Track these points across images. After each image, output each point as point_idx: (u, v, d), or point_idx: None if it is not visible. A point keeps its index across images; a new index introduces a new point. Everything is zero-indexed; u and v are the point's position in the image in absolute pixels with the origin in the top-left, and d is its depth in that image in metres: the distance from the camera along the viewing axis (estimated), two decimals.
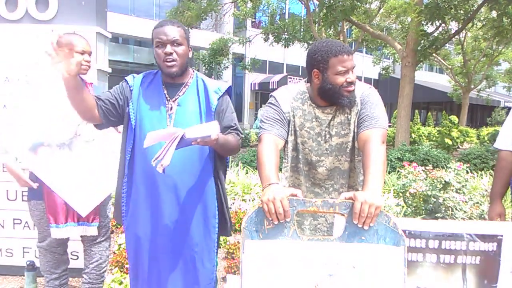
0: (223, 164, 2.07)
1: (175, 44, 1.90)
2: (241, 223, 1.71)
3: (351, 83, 1.85)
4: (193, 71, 2.06)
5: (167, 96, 1.97)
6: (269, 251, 1.49)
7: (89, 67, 2.41)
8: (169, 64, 1.90)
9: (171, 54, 1.89)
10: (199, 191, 1.95)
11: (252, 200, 4.96)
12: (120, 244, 3.50)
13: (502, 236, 1.57)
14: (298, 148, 1.98)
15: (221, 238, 3.99)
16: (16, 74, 2.99)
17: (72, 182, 2.32)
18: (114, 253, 2.68)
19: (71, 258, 2.87)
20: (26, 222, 3.05)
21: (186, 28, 2.03)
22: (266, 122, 1.91)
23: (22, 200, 3.02)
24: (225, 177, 2.10)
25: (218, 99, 1.99)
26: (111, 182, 2.30)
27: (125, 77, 2.04)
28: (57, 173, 2.31)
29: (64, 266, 2.55)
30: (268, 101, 2.00)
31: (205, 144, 1.73)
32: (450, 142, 12.57)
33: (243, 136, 2.20)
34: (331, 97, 1.87)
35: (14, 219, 3.05)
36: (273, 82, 22.75)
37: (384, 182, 4.68)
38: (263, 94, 25.08)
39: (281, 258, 1.48)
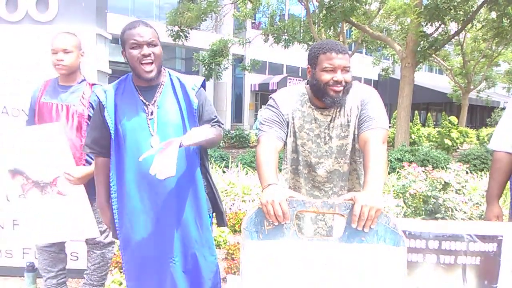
0: (206, 154, 2.09)
1: (151, 45, 1.86)
2: (241, 224, 1.71)
3: (337, 83, 1.82)
4: (165, 70, 2.01)
5: (144, 101, 1.93)
6: (269, 251, 1.49)
7: (65, 65, 2.35)
8: (147, 65, 1.86)
9: (149, 55, 1.85)
10: (190, 187, 1.94)
11: (252, 201, 4.96)
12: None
13: (502, 236, 1.57)
14: (298, 150, 1.98)
15: (221, 238, 4.01)
16: (16, 74, 2.99)
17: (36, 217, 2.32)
18: (114, 254, 2.68)
19: (70, 259, 2.86)
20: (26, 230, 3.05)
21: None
22: (265, 124, 1.91)
23: None
24: (209, 167, 2.14)
25: (195, 94, 1.96)
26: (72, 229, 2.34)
27: (96, 93, 1.99)
28: (27, 207, 2.32)
29: (62, 265, 2.55)
30: (267, 103, 2.01)
31: (194, 145, 1.77)
32: (449, 143, 12.56)
33: (224, 125, 2.23)
34: (317, 93, 1.88)
35: (13, 220, 3.05)
36: (273, 83, 22.74)
37: (384, 183, 4.68)
38: (263, 95, 25.07)
39: (281, 258, 1.48)
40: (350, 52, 1.69)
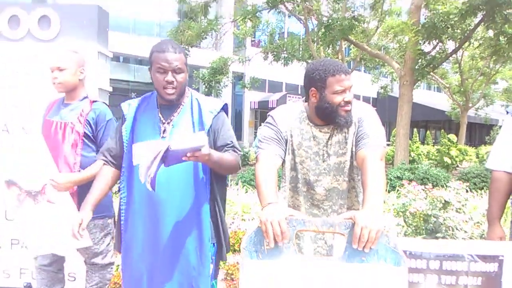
0: (220, 184, 2.02)
1: (176, 72, 1.88)
2: (240, 243, 1.70)
3: (348, 103, 1.85)
4: (189, 90, 2.04)
5: (161, 118, 1.96)
6: (269, 271, 1.47)
7: (59, 83, 2.36)
8: (169, 92, 1.89)
9: (172, 82, 1.88)
10: (195, 214, 1.91)
11: (252, 219, 4.93)
12: (118, 265, 3.46)
13: (503, 256, 1.55)
14: (297, 168, 1.98)
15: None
16: (17, 91, 3.00)
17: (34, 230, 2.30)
18: (112, 275, 2.65)
19: (68, 280, 2.83)
20: (24, 242, 3.02)
21: (186, 47, 2.05)
22: (263, 142, 1.91)
23: None
24: (225, 198, 2.07)
25: (213, 118, 1.96)
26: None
27: (121, 105, 2.04)
28: (24, 218, 2.31)
29: (59, 285, 2.52)
30: (266, 121, 2.01)
31: (197, 160, 1.70)
32: (449, 161, 12.57)
33: (241, 153, 2.20)
34: (328, 116, 1.88)
35: (12, 240, 3.02)
36: (273, 100, 22.84)
37: (384, 201, 4.66)
38: (262, 112, 25.16)
39: (281, 278, 1.47)
40: (349, 70, 1.69)
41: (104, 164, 2.06)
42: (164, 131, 1.93)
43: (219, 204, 1.98)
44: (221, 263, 3.49)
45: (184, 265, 1.91)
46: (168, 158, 1.62)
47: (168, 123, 1.95)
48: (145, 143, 1.71)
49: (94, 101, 2.44)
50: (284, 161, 1.96)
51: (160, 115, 1.97)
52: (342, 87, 1.83)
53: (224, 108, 2.04)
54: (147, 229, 1.92)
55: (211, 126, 1.95)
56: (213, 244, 1.97)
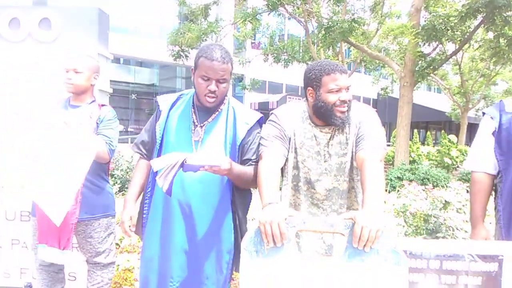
0: (243, 197, 1.99)
1: (220, 81, 1.87)
2: (240, 243, 1.70)
3: (344, 102, 1.85)
4: (227, 97, 2.01)
5: (195, 121, 1.95)
6: (269, 271, 1.47)
7: (72, 84, 2.38)
8: (210, 100, 1.88)
9: (214, 91, 1.86)
10: (216, 224, 1.90)
11: (252, 219, 4.92)
12: (118, 265, 3.46)
13: (503, 256, 1.56)
14: (299, 167, 1.99)
15: None
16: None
17: (40, 187, 2.20)
18: (113, 274, 2.66)
19: (68, 279, 2.83)
20: (24, 242, 3.03)
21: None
22: (267, 140, 1.92)
23: (21, 220, 3.00)
24: (247, 211, 2.04)
25: (248, 130, 1.94)
26: (73, 177, 2.19)
27: (157, 98, 2.06)
28: (28, 180, 2.21)
29: (60, 285, 2.52)
30: (269, 119, 2.01)
31: (215, 173, 1.71)
32: (449, 161, 12.57)
33: None
34: (324, 115, 1.89)
35: (12, 240, 3.02)
36: (273, 102, 22.86)
37: (384, 202, 4.66)
38: (262, 113, 25.16)
39: (281, 278, 1.47)
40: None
41: (140, 157, 2.08)
42: (198, 134, 1.93)
43: (239, 216, 1.96)
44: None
45: (198, 272, 1.91)
46: (186, 166, 1.65)
47: (201, 126, 1.94)
48: (165, 157, 1.71)
49: (102, 105, 2.46)
50: (287, 160, 1.97)
51: (194, 116, 1.96)
52: (337, 86, 1.83)
53: (260, 121, 2.02)
54: (164, 229, 1.92)
55: (243, 139, 1.93)
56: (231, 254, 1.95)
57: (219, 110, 1.97)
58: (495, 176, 2.02)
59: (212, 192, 1.90)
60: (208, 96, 1.87)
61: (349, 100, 1.87)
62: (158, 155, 1.93)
